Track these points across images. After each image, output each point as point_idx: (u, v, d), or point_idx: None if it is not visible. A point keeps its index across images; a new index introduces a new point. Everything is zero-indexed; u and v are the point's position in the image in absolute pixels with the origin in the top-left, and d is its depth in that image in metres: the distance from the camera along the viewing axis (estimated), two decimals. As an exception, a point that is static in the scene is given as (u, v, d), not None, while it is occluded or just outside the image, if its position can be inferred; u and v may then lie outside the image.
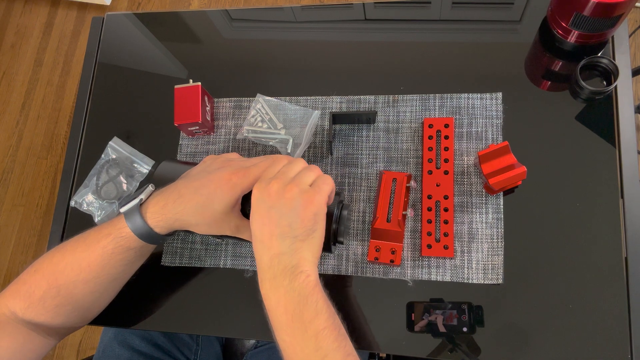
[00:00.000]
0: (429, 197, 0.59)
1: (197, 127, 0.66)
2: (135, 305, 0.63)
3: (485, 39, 0.65)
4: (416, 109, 0.64)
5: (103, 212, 0.67)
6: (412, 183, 0.59)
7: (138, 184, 0.68)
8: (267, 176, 0.47)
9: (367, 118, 0.63)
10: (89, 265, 0.50)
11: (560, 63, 0.62)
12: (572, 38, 0.61)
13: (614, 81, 0.57)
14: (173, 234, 0.54)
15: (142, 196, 0.51)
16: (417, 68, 0.66)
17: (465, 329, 0.55)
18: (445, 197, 0.59)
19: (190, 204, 0.48)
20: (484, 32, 0.66)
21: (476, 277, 0.56)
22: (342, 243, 0.53)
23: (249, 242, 0.53)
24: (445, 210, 0.58)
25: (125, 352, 0.70)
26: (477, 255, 0.57)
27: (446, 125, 0.61)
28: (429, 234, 0.58)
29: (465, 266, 0.57)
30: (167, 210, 0.49)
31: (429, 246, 0.58)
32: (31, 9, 1.85)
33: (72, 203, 0.68)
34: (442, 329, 0.55)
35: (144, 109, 0.72)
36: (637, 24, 1.40)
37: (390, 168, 0.62)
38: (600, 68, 0.60)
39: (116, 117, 0.73)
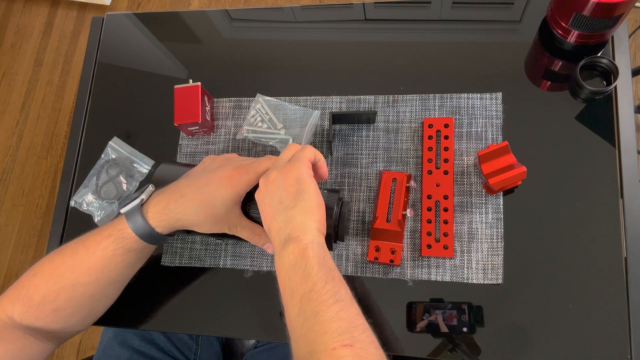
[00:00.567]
0: (429, 197, 0.59)
1: (197, 127, 0.66)
2: (135, 305, 0.63)
3: (485, 39, 0.65)
4: (416, 109, 0.64)
5: (103, 212, 0.67)
6: (412, 183, 0.59)
7: (138, 184, 0.68)
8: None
9: (367, 118, 0.63)
10: (89, 267, 0.50)
11: (560, 63, 0.62)
12: (572, 38, 0.61)
13: (614, 81, 0.57)
14: (174, 234, 0.54)
15: (143, 196, 0.51)
16: (417, 68, 0.66)
17: (465, 329, 0.55)
18: (445, 197, 0.59)
19: (192, 203, 0.49)
20: (484, 32, 0.66)
21: (476, 277, 0.56)
22: (342, 240, 0.53)
23: (248, 242, 0.53)
24: (445, 210, 0.58)
25: (125, 352, 0.70)
26: (477, 255, 0.57)
27: (446, 125, 0.61)
28: (429, 234, 0.58)
29: (465, 266, 0.57)
30: (168, 210, 0.50)
31: (429, 246, 0.58)
32: (31, 9, 1.85)
33: (72, 203, 0.68)
34: (442, 329, 0.55)
35: (144, 109, 0.72)
36: (637, 24, 1.40)
37: (390, 168, 0.62)
38: (600, 68, 0.60)
39: (116, 117, 0.73)
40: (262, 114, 0.67)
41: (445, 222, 0.58)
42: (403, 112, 0.64)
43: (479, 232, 0.58)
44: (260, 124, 0.67)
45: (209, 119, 0.67)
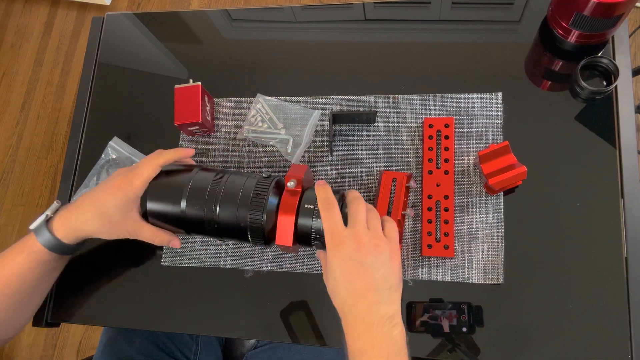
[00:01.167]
0: (429, 197, 0.59)
1: (197, 127, 0.66)
2: (135, 305, 0.63)
3: (485, 39, 0.65)
4: (416, 109, 0.64)
5: (103, 212, 0.67)
6: (412, 183, 0.59)
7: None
8: (335, 228, 0.48)
9: (367, 118, 0.63)
10: (8, 281, 0.54)
11: (560, 63, 0.62)
12: (572, 38, 0.61)
13: (614, 81, 0.57)
14: (82, 244, 0.57)
15: (48, 212, 0.55)
16: (417, 68, 0.66)
17: (464, 329, 0.55)
18: (446, 197, 0.59)
19: (88, 215, 0.54)
20: (484, 32, 0.66)
21: (476, 277, 0.56)
22: None
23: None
24: (446, 210, 0.58)
25: (125, 352, 0.70)
26: (477, 255, 0.57)
27: (446, 125, 0.61)
28: (429, 233, 0.58)
29: (466, 266, 0.57)
30: (70, 222, 0.54)
31: (429, 246, 0.58)
32: (31, 9, 1.85)
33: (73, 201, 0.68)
34: (442, 329, 0.55)
35: (144, 109, 0.72)
36: (637, 24, 1.40)
37: (391, 168, 0.62)
38: (601, 68, 0.60)
39: (116, 117, 0.73)
40: (262, 114, 0.67)
41: (446, 222, 0.58)
42: (403, 112, 0.64)
43: (480, 232, 0.58)
44: (260, 124, 0.67)
45: (209, 118, 0.67)
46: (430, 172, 0.60)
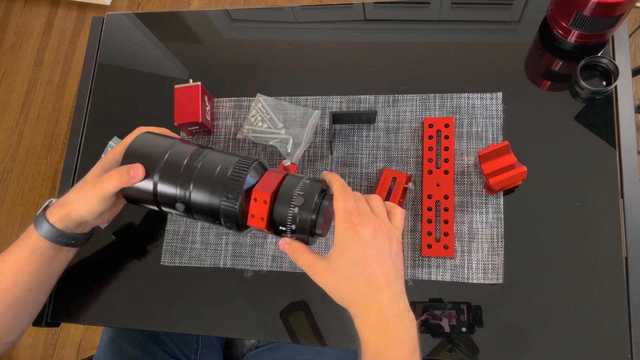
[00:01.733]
0: (429, 196, 0.59)
1: (197, 127, 0.66)
2: (135, 305, 0.63)
3: (485, 39, 0.65)
4: (416, 108, 0.64)
5: (103, 212, 0.67)
6: (410, 185, 0.59)
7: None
8: (352, 210, 0.45)
9: (367, 118, 0.63)
10: (3, 274, 0.54)
11: (560, 63, 0.62)
12: (572, 38, 0.61)
13: (614, 81, 0.57)
14: (81, 239, 0.57)
15: (47, 203, 0.56)
16: (417, 68, 0.66)
17: (464, 329, 0.55)
18: (446, 197, 0.59)
19: (71, 192, 0.54)
20: (483, 32, 0.66)
21: (476, 277, 0.56)
22: (320, 236, 0.48)
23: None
24: (446, 210, 0.58)
25: (125, 351, 0.70)
26: (477, 255, 0.57)
27: (446, 125, 0.61)
28: (429, 233, 0.58)
29: (466, 266, 0.57)
30: (63, 203, 0.54)
31: (429, 246, 0.58)
32: (31, 9, 1.85)
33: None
34: (441, 329, 0.55)
35: (144, 109, 0.72)
36: (637, 24, 1.40)
37: (391, 168, 0.62)
38: (600, 68, 0.60)
39: (116, 117, 0.73)
40: (262, 113, 0.67)
41: (446, 221, 0.58)
42: (403, 112, 0.64)
43: (480, 232, 0.58)
44: (260, 124, 0.67)
45: (209, 118, 0.67)
46: (430, 172, 0.60)
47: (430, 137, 0.61)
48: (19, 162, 1.68)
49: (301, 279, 0.61)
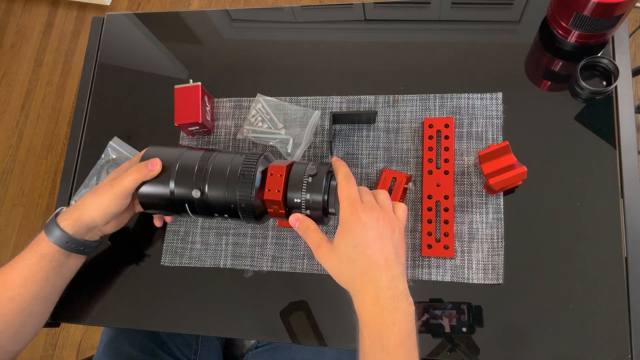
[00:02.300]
0: (429, 197, 0.59)
1: (197, 127, 0.66)
2: (135, 305, 0.63)
3: (485, 39, 0.65)
4: (416, 109, 0.64)
5: (103, 212, 0.67)
6: (410, 185, 0.59)
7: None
8: (355, 197, 0.47)
9: (367, 118, 0.63)
10: (11, 281, 0.54)
11: (560, 63, 0.63)
12: (572, 38, 0.61)
13: (614, 81, 0.57)
14: (89, 246, 0.57)
15: (58, 211, 0.57)
16: (417, 68, 0.66)
17: (464, 329, 0.55)
18: (446, 197, 0.59)
19: (84, 198, 0.55)
20: (484, 32, 0.66)
21: (476, 277, 0.56)
22: (334, 214, 0.51)
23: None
24: (446, 210, 0.58)
25: (125, 351, 0.70)
26: (477, 255, 0.57)
27: (446, 125, 0.61)
28: (429, 233, 0.58)
29: (466, 266, 0.57)
30: (71, 212, 0.55)
31: (429, 246, 0.58)
32: (31, 9, 1.85)
33: (72, 203, 0.68)
34: (441, 329, 0.55)
35: (144, 109, 0.72)
36: (637, 24, 1.40)
37: (391, 168, 0.62)
38: (601, 68, 0.60)
39: (116, 117, 0.73)
40: (262, 114, 0.67)
41: (446, 222, 0.58)
42: (403, 112, 0.64)
43: (480, 232, 0.58)
44: (260, 124, 0.67)
45: (209, 119, 0.67)
46: (430, 172, 0.60)
47: (430, 137, 0.61)
48: (19, 162, 1.68)
49: (301, 279, 0.61)
